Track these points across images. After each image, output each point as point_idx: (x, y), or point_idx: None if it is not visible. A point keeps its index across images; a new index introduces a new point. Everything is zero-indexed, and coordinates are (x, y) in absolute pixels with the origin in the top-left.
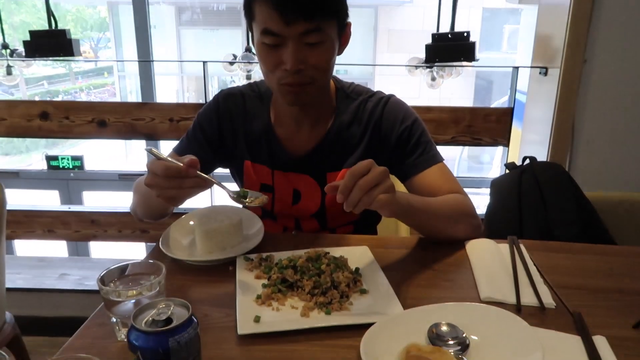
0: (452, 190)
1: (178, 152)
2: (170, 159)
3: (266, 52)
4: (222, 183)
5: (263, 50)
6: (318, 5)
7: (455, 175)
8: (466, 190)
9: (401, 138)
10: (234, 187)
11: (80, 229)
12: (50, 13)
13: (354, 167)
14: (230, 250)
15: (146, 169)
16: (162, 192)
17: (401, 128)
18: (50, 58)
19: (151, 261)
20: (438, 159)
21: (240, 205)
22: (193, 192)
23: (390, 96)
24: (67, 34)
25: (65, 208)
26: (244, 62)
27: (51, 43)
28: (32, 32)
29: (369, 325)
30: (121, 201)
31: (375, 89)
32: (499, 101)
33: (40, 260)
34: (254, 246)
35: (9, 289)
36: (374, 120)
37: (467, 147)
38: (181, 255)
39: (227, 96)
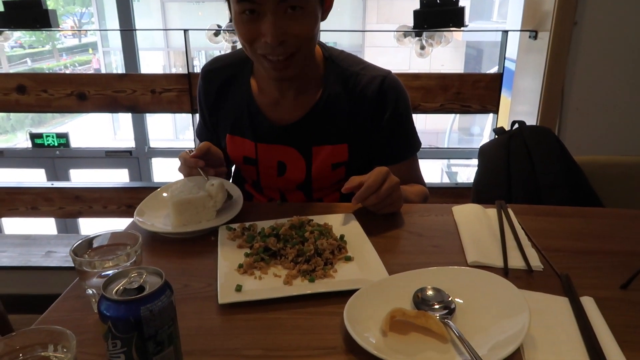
0: (418, 182)
1: (198, 125)
2: (189, 152)
3: (244, 23)
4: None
5: (241, 21)
6: None
7: (445, 146)
8: (456, 161)
9: (391, 122)
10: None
11: (65, 205)
12: None
13: (372, 180)
14: (206, 222)
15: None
16: (183, 170)
17: (394, 112)
18: (27, 29)
19: (129, 231)
20: (415, 149)
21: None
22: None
23: (387, 74)
24: (43, 4)
25: (48, 185)
26: (229, 31)
27: (26, 14)
28: (5, 3)
29: (353, 292)
30: (109, 178)
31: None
32: (490, 71)
33: (26, 237)
34: (232, 217)
35: None
36: (367, 98)
37: (457, 119)
38: (156, 228)
39: (206, 73)
